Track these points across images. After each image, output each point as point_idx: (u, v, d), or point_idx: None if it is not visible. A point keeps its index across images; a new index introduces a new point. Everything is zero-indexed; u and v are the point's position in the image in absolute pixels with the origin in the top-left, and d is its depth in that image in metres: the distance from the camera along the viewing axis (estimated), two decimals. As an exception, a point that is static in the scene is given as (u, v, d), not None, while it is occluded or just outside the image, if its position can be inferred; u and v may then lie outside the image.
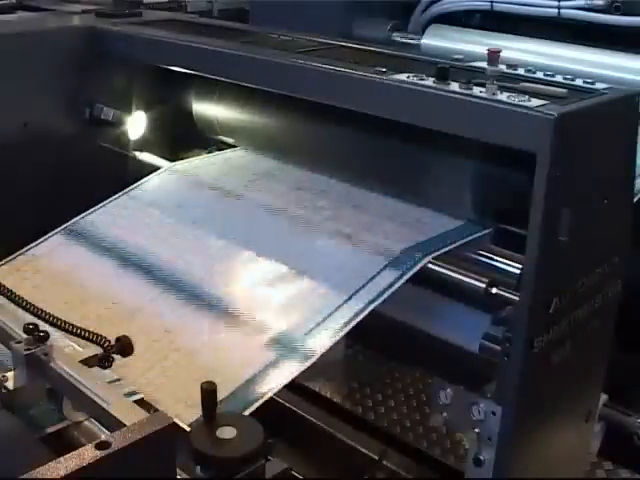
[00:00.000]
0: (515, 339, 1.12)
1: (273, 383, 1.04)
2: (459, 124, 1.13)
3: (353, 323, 1.10)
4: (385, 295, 1.13)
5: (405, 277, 1.15)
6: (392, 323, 1.35)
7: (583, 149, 1.10)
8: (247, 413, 0.98)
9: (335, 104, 1.28)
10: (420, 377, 1.84)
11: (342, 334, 1.09)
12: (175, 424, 0.77)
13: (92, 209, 1.46)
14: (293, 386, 1.64)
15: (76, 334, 0.97)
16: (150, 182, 1.54)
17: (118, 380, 1.03)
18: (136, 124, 1.69)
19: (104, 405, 0.85)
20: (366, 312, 1.11)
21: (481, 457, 1.17)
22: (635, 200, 1.29)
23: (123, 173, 1.64)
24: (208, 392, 0.84)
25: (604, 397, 1.38)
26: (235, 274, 1.27)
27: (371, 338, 1.70)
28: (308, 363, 1.06)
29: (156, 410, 0.96)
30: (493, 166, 1.25)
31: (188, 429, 0.88)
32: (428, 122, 1.18)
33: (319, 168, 1.51)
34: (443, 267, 1.22)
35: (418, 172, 1.35)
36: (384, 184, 1.41)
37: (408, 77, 1.20)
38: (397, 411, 1.75)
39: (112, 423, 0.83)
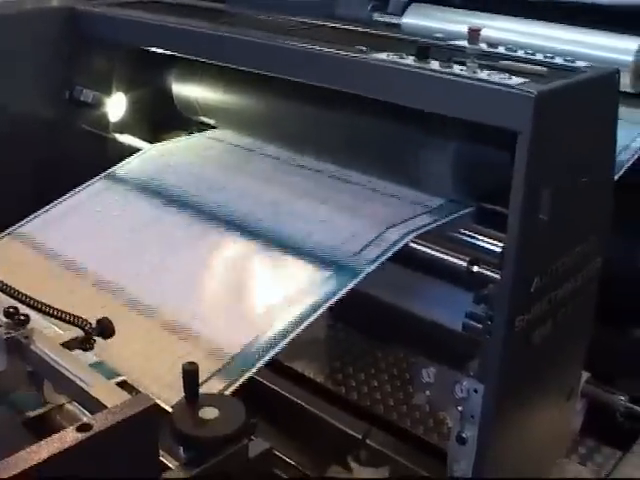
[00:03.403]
0: (496, 318, 1.12)
1: (257, 362, 1.04)
2: (440, 102, 1.13)
3: (332, 301, 1.10)
4: (365, 273, 1.13)
5: (386, 256, 1.15)
6: (374, 302, 1.35)
7: (564, 127, 1.10)
8: (229, 393, 0.98)
9: (315, 83, 1.27)
10: (403, 356, 1.84)
11: (321, 312, 1.09)
12: (157, 405, 0.77)
13: (72, 191, 1.46)
14: (275, 366, 1.65)
15: (56, 316, 0.97)
16: (131, 164, 1.53)
17: (100, 363, 1.03)
18: (116, 106, 1.68)
19: (85, 387, 0.85)
20: (346, 290, 1.11)
21: (464, 435, 1.18)
22: (616, 178, 1.30)
23: (103, 155, 1.63)
24: (189, 372, 0.84)
25: (586, 375, 1.39)
26: (218, 253, 1.26)
27: (353, 317, 1.71)
28: (288, 339, 1.06)
29: (138, 392, 0.96)
30: (474, 145, 1.25)
31: (170, 410, 0.88)
32: (409, 101, 1.17)
33: (299, 148, 1.51)
34: (425, 246, 1.22)
35: (399, 151, 1.35)
36: (365, 163, 1.41)
37: (388, 56, 1.19)
38: (380, 390, 1.76)
39: (94, 405, 0.83)
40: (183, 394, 0.86)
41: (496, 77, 1.09)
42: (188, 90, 1.69)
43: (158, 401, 0.84)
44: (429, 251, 1.23)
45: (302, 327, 1.07)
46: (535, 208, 1.07)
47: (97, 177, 1.49)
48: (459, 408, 1.17)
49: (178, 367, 0.86)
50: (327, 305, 1.10)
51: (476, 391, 1.15)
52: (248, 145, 1.57)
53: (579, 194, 1.17)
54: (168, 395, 0.98)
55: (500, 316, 1.11)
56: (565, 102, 1.11)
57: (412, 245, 1.20)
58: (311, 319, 1.08)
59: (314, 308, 1.09)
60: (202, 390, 0.87)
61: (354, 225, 1.24)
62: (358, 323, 1.82)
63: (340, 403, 1.69)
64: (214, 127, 1.69)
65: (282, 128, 1.54)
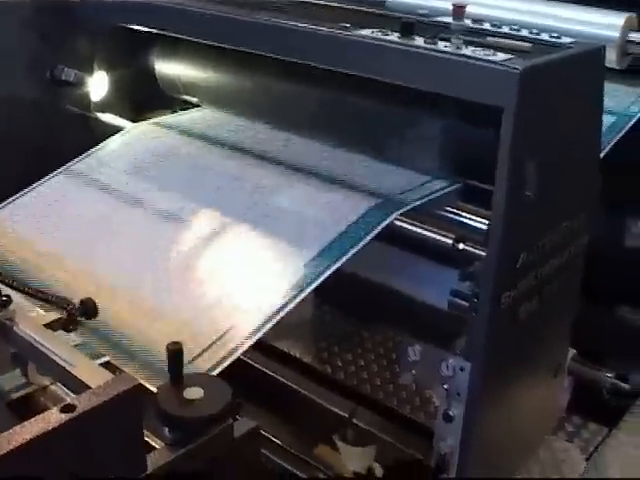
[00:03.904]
0: (482, 295, 1.12)
1: (240, 342, 1.03)
2: (424, 79, 1.12)
3: (318, 282, 1.09)
4: (351, 253, 1.12)
5: (371, 235, 1.14)
6: (360, 281, 1.34)
7: (549, 103, 1.10)
8: (215, 373, 0.97)
9: (298, 60, 1.26)
10: (390, 335, 1.84)
11: (307, 292, 1.08)
12: (141, 385, 0.77)
13: (53, 173, 1.44)
14: (261, 346, 1.65)
15: (39, 298, 0.96)
16: (113, 143, 1.52)
17: (84, 343, 1.02)
18: (98, 85, 1.67)
19: (69, 368, 0.85)
20: (331, 270, 1.10)
21: (451, 413, 1.18)
22: (602, 155, 1.30)
23: (85, 135, 1.61)
24: (174, 352, 0.83)
25: (572, 352, 1.39)
26: (200, 234, 1.25)
27: (339, 297, 1.70)
28: (273, 322, 1.05)
29: (122, 372, 0.95)
30: (459, 121, 1.24)
31: (155, 390, 0.87)
32: (393, 77, 1.16)
33: (283, 125, 1.50)
34: (410, 224, 1.22)
35: (383, 128, 1.34)
36: (348, 141, 1.40)
37: (372, 32, 1.19)
38: (367, 370, 1.75)
39: (78, 386, 0.82)
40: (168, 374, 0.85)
41: (481, 53, 1.08)
42: (170, 68, 1.68)
43: (142, 381, 0.84)
44: (415, 229, 1.23)
45: (292, 305, 1.07)
46: (520, 184, 1.06)
47: (78, 157, 1.48)
48: (445, 386, 1.18)
49: (163, 347, 0.86)
50: (311, 289, 1.08)
51: (462, 369, 1.15)
52: (231, 122, 1.56)
53: (565, 170, 1.17)
54: (153, 375, 0.97)
55: (486, 293, 1.11)
56: (550, 78, 1.10)
57: (397, 223, 1.20)
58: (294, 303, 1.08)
59: (297, 292, 1.09)
60: (187, 371, 0.86)
61: (337, 204, 1.23)
62: (344, 302, 1.82)
63: (327, 383, 1.69)
64: (197, 105, 1.68)
65: (265, 105, 1.53)
